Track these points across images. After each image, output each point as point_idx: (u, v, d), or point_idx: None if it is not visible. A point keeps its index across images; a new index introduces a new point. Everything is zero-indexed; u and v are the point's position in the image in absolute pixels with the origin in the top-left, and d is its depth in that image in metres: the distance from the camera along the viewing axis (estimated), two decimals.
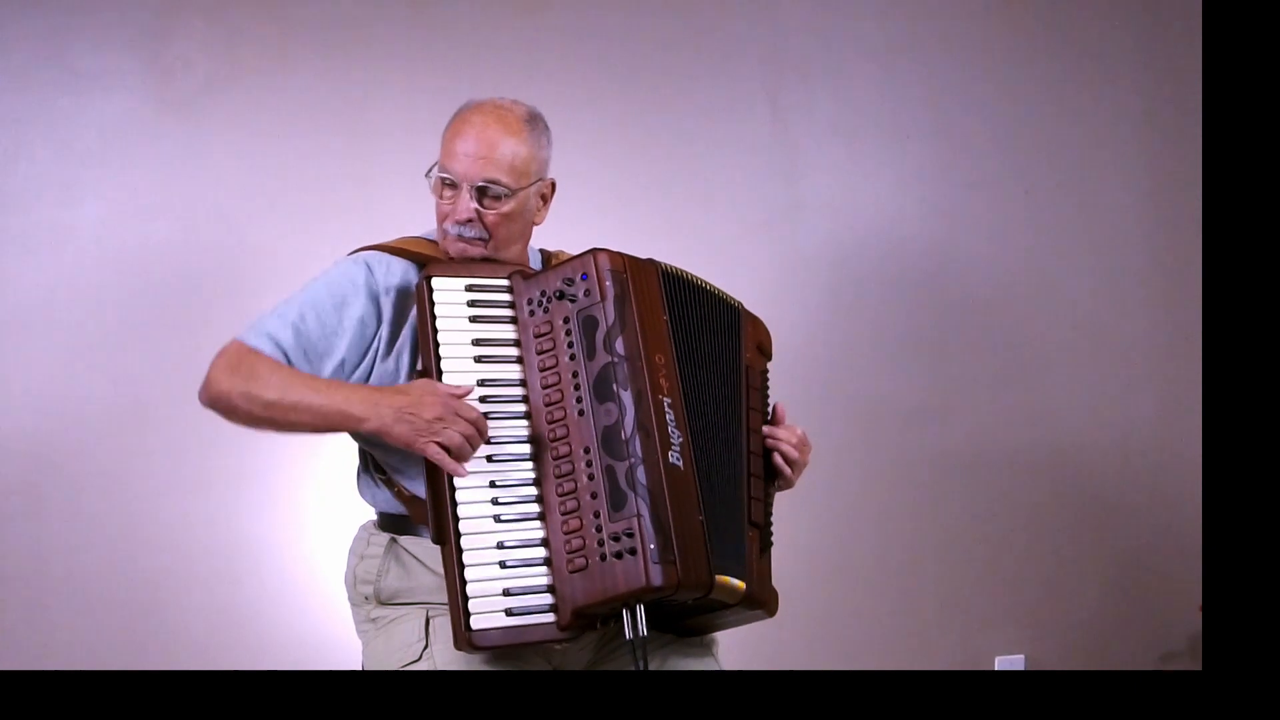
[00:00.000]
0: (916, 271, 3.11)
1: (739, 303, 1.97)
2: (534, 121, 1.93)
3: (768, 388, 1.96)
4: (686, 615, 1.84)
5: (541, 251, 2.04)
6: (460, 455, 1.69)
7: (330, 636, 2.41)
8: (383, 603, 1.85)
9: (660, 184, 2.98)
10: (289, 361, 1.79)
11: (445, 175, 1.87)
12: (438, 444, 1.68)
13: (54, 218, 2.73)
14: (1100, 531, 3.20)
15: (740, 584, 1.77)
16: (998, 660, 3.14)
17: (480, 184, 1.85)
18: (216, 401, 1.80)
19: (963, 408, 3.13)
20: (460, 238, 1.87)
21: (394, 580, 1.85)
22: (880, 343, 3.10)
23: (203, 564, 2.76)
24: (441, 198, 1.88)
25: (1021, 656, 3.14)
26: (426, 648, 1.78)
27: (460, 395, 1.72)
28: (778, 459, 1.90)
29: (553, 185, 1.96)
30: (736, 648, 2.07)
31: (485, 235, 1.87)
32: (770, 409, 1.95)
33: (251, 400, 1.76)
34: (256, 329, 1.82)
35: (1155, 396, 3.22)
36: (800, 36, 3.07)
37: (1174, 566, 3.19)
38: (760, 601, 1.83)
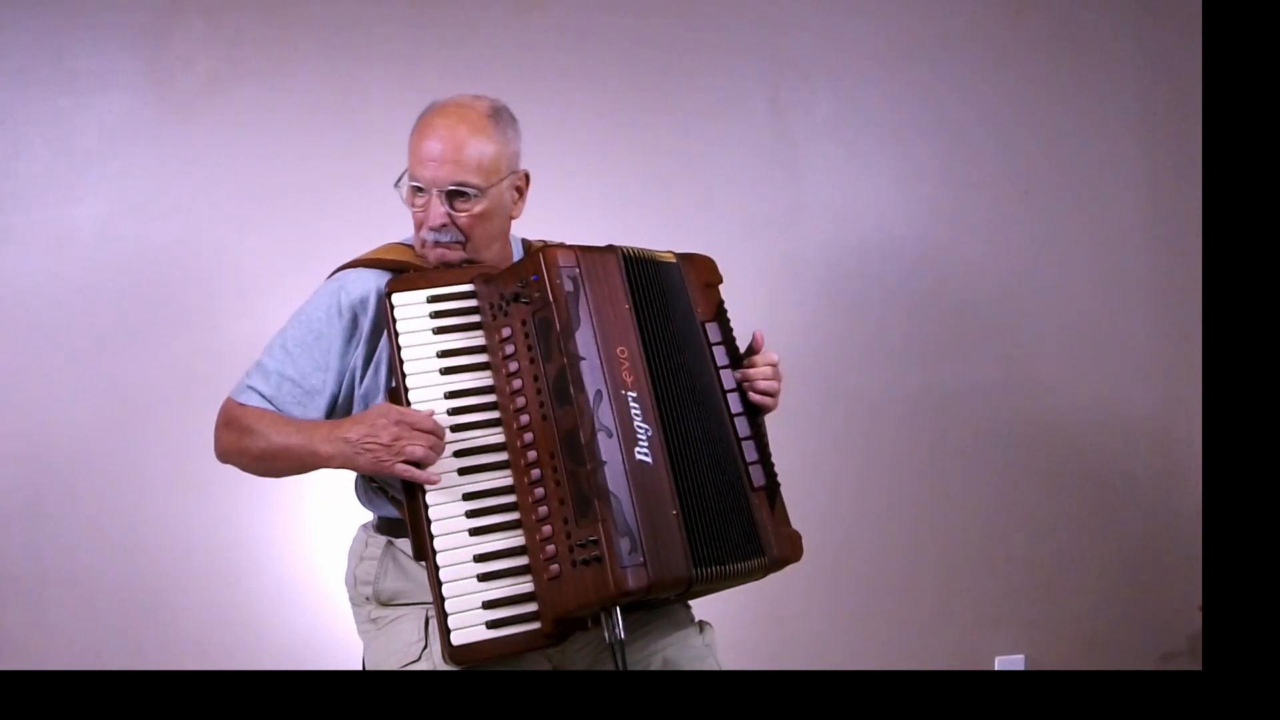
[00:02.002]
0: (916, 271, 3.11)
1: (673, 255, 1.91)
2: (498, 115, 1.90)
3: (729, 323, 1.90)
4: (711, 590, 1.83)
5: (524, 242, 2.03)
6: (427, 464, 1.71)
7: (330, 636, 2.41)
8: (382, 603, 1.86)
9: (660, 184, 2.98)
10: (278, 409, 1.83)
11: (414, 183, 1.85)
12: (403, 462, 1.70)
13: (54, 218, 2.73)
14: (1100, 531, 3.19)
15: (758, 561, 1.78)
16: (998, 660, 3.14)
17: (450, 188, 1.83)
18: (225, 459, 1.88)
19: (962, 407, 3.13)
20: (438, 243, 1.86)
21: (392, 581, 1.85)
22: (880, 342, 3.10)
23: (203, 564, 2.76)
24: (414, 205, 1.87)
25: (1021, 656, 3.14)
26: (425, 647, 1.78)
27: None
28: (755, 397, 1.87)
29: (526, 177, 1.94)
30: (737, 647, 2.07)
31: (462, 238, 1.86)
32: (749, 343, 1.90)
33: (245, 455, 1.84)
34: (242, 385, 1.86)
35: (1155, 396, 3.22)
36: (800, 36, 3.07)
37: (1174, 566, 3.19)
38: (783, 561, 1.83)
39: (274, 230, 2.80)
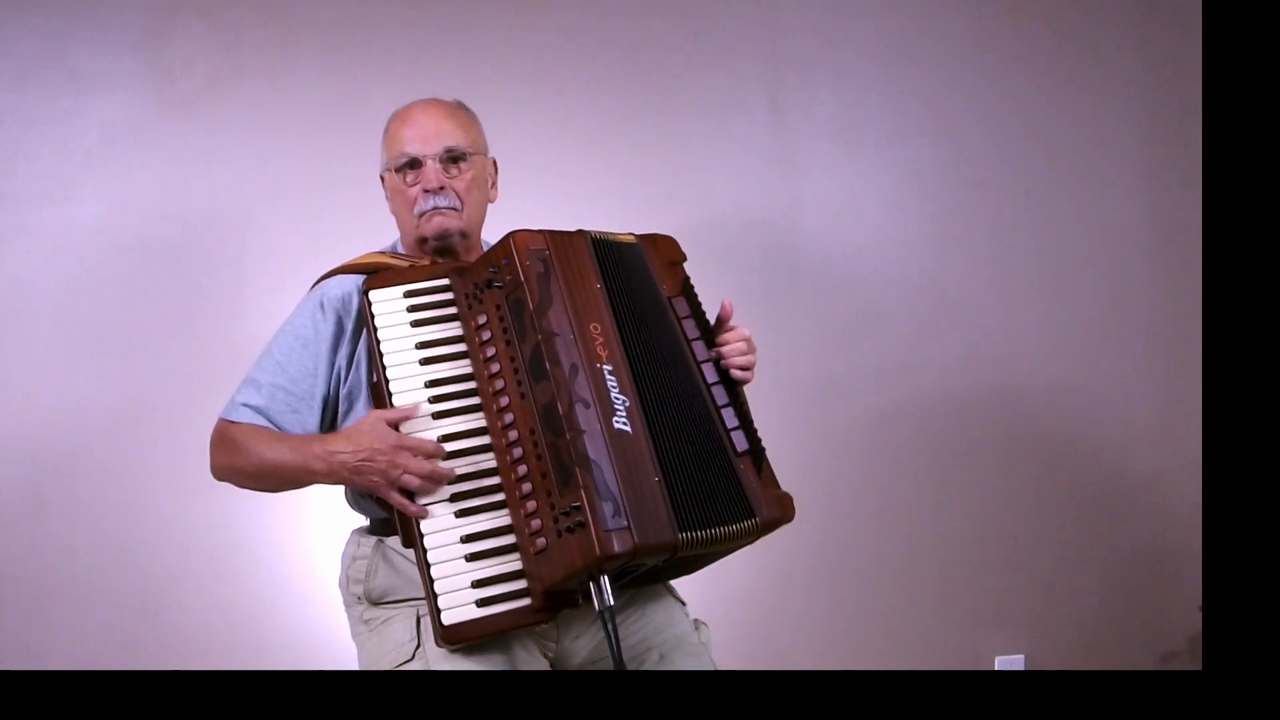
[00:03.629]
0: (916, 271, 3.11)
1: (633, 236, 1.94)
2: (463, 105, 2.01)
3: (696, 297, 1.91)
4: (705, 558, 1.83)
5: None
6: (424, 492, 1.73)
7: (329, 637, 2.41)
8: (374, 602, 1.87)
9: (660, 183, 2.98)
10: (271, 421, 1.85)
11: (406, 155, 1.92)
12: (398, 491, 1.73)
13: (54, 217, 2.73)
14: (1100, 531, 3.19)
15: (750, 523, 1.77)
16: (998, 660, 3.14)
17: (443, 150, 1.91)
18: (220, 477, 1.91)
19: (962, 407, 3.13)
20: (436, 210, 1.92)
21: (383, 579, 1.86)
22: (879, 342, 3.10)
23: (203, 564, 2.76)
24: (406, 182, 1.92)
25: (1021, 656, 3.14)
26: (419, 647, 1.79)
27: (404, 418, 1.74)
28: (735, 373, 1.88)
29: (495, 164, 2.03)
30: (736, 647, 2.07)
31: (458, 204, 1.92)
32: (717, 313, 1.91)
33: (239, 473, 1.87)
34: (233, 403, 1.88)
35: (1155, 396, 3.22)
36: (800, 36, 3.07)
37: (1174, 566, 3.19)
38: (775, 522, 1.82)
39: (274, 230, 2.80)
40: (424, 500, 1.74)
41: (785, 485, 1.87)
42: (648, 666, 1.86)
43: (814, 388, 3.02)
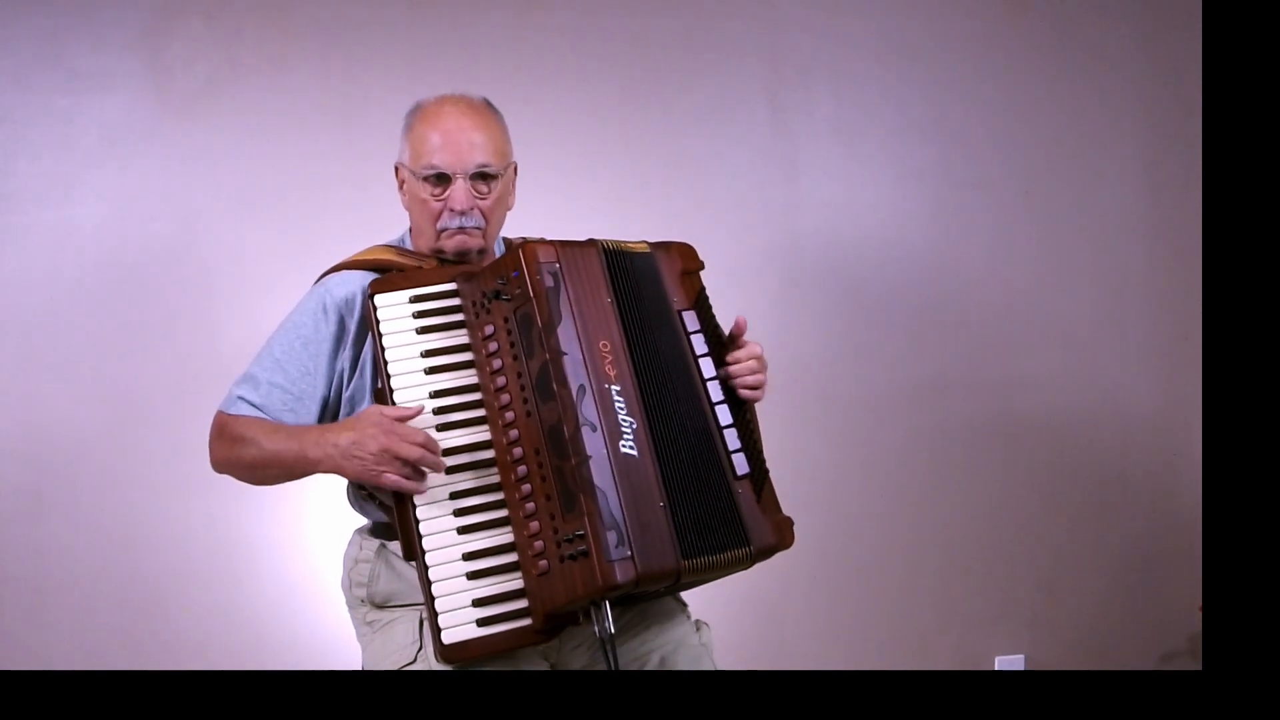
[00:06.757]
0: (916, 271, 3.11)
1: (645, 245, 1.89)
2: (492, 107, 1.95)
3: (710, 309, 1.88)
4: (701, 581, 1.82)
5: (505, 240, 2.03)
6: (417, 476, 1.71)
7: (330, 637, 2.41)
8: (377, 605, 1.86)
9: (660, 184, 2.98)
10: (269, 417, 1.83)
11: (434, 168, 1.86)
12: (390, 474, 1.70)
13: (54, 218, 2.73)
14: (1100, 531, 3.20)
15: (743, 551, 1.76)
16: (998, 660, 3.14)
17: (474, 170, 1.86)
18: (219, 469, 1.88)
19: (962, 407, 3.13)
20: (461, 229, 1.87)
21: (385, 584, 1.86)
22: (879, 342, 3.10)
23: (203, 564, 2.76)
24: (431, 193, 1.87)
25: (1021, 656, 3.14)
26: (421, 649, 1.78)
27: (407, 417, 1.72)
28: (744, 393, 1.86)
29: (515, 168, 1.98)
30: (736, 647, 2.07)
31: (483, 223, 1.88)
32: (729, 329, 1.88)
33: (238, 464, 1.84)
34: (230, 396, 1.86)
35: (1155, 396, 3.22)
36: (800, 36, 3.07)
37: (1174, 566, 3.19)
38: (770, 549, 1.80)
39: (273, 230, 2.80)
40: (425, 512, 1.71)
41: (784, 486, 1.88)
42: (649, 669, 1.86)
43: (810, 386, 3.02)
